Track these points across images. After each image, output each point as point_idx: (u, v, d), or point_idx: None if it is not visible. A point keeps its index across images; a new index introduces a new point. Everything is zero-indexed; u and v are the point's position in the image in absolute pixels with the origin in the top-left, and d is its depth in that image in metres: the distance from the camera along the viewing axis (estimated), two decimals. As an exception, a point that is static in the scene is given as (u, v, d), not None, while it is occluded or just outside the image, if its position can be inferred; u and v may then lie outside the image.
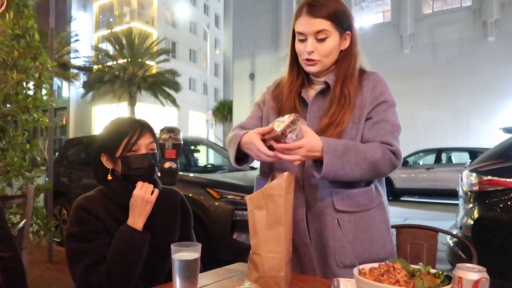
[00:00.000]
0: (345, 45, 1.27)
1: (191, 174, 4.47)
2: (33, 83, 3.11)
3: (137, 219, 1.25)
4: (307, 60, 1.24)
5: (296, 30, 1.25)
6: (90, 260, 1.20)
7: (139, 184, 1.28)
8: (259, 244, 1.08)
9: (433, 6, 17.23)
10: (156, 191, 1.30)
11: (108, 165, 1.32)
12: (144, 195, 1.26)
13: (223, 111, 25.81)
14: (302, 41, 1.24)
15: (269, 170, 1.34)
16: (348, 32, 1.25)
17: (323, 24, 1.20)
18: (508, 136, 3.12)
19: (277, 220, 1.06)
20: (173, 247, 0.97)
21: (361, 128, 1.23)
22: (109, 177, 1.32)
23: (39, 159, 3.30)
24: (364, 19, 18.87)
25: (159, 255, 1.31)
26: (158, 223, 1.33)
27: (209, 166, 5.93)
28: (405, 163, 11.12)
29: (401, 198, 11.13)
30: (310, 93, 1.32)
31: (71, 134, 31.37)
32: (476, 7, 15.51)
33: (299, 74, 1.32)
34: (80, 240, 1.22)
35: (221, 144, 26.22)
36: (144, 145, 1.30)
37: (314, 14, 1.20)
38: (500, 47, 14.77)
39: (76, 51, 25.94)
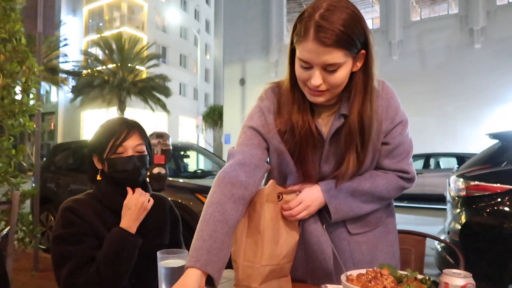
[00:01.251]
0: (357, 66, 1.03)
1: (181, 180, 4.44)
2: (19, 87, 3.07)
3: (132, 224, 1.25)
4: (312, 90, 1.03)
5: (299, 56, 0.99)
6: (77, 262, 1.18)
7: (138, 190, 1.30)
8: (238, 251, 1.05)
9: (421, 13, 17.48)
10: (151, 200, 1.32)
11: (98, 165, 1.32)
12: (144, 202, 1.28)
13: (214, 117, 25.73)
14: (305, 68, 1.00)
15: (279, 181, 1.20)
16: (363, 51, 1.01)
17: (335, 55, 0.95)
18: (494, 141, 3.15)
19: (256, 228, 1.04)
20: (159, 254, 0.96)
21: (376, 155, 1.14)
22: (98, 177, 1.32)
23: (24, 164, 3.25)
24: (353, 26, 19.02)
25: (150, 260, 1.30)
26: (148, 228, 1.33)
27: (199, 171, 5.91)
28: (394, 168, 11.19)
29: (391, 203, 11.18)
30: (322, 125, 1.12)
31: (60, 139, 31.00)
32: (463, 14, 15.77)
33: (305, 97, 1.08)
34: (67, 242, 1.21)
35: (211, 150, 26.06)
36: (131, 146, 1.29)
37: (324, 42, 0.93)
38: (486, 54, 15.01)
39: (65, 55, 25.70)
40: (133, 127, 1.32)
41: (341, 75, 0.99)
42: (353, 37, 0.95)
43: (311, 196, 1.09)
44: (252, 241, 1.04)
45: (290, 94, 1.10)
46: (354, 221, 1.17)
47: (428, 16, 17.21)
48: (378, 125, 1.09)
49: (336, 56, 0.95)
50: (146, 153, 1.33)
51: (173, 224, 1.45)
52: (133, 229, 1.25)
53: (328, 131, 1.11)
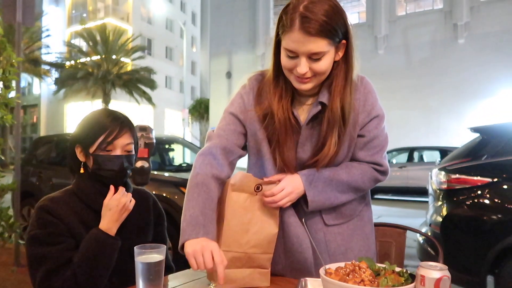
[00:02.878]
0: (339, 56, 1.10)
1: (166, 173, 4.41)
2: (-3, 79, 2.99)
3: (111, 225, 1.20)
4: (298, 77, 1.08)
5: (285, 47, 1.05)
6: (53, 264, 1.14)
7: (121, 189, 1.25)
8: None
9: (406, 8, 17.60)
10: (133, 200, 1.27)
11: (81, 157, 1.27)
12: (125, 202, 1.23)
13: (200, 110, 25.59)
14: (291, 57, 1.06)
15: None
16: (344, 41, 1.08)
17: (319, 44, 1.01)
18: (475, 135, 3.20)
19: (221, 215, 1.09)
20: (136, 249, 0.94)
21: (352, 145, 1.19)
22: (82, 170, 1.26)
23: (3, 158, 3.17)
24: (340, 20, 19.10)
25: (132, 259, 1.27)
26: (130, 225, 1.29)
27: (184, 165, 5.87)
28: (379, 162, 11.36)
29: (375, 196, 11.35)
30: (300, 112, 1.18)
31: (43, 132, 30.47)
32: (447, 10, 15.95)
33: (287, 87, 1.14)
34: (42, 243, 1.15)
35: (197, 143, 25.90)
36: (120, 145, 1.24)
37: (309, 32, 0.99)
38: (469, 49, 15.24)
39: (48, 46, 25.18)
40: (125, 125, 1.26)
41: (325, 63, 1.06)
42: (335, 27, 1.02)
43: (292, 184, 1.12)
44: (218, 227, 1.08)
45: (273, 83, 1.16)
46: (330, 212, 1.20)
47: (413, 11, 17.34)
48: (355, 116, 1.15)
49: (320, 45, 1.02)
50: (133, 152, 1.28)
51: (157, 220, 1.41)
52: (113, 231, 1.21)
53: (305, 118, 1.16)
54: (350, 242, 1.21)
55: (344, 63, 1.11)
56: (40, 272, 1.14)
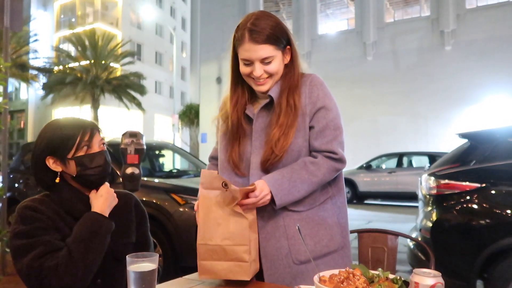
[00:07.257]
0: (287, 60, 1.32)
1: (156, 180, 4.38)
2: (-16, 84, 2.94)
3: (104, 208, 1.25)
4: (257, 80, 1.28)
5: (241, 57, 1.27)
6: (42, 249, 1.14)
7: (106, 184, 1.32)
8: None
9: (394, 15, 17.86)
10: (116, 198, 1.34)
11: (55, 168, 1.26)
12: (113, 191, 1.31)
13: (190, 115, 25.48)
14: (247, 65, 1.27)
15: None
16: (288, 46, 1.30)
17: (267, 49, 1.24)
18: (463, 141, 3.24)
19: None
20: (128, 258, 0.93)
21: (307, 135, 1.29)
22: (57, 180, 1.27)
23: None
24: (329, 26, 19.28)
25: (115, 258, 1.29)
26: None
27: (175, 171, 5.84)
28: (369, 167, 11.43)
29: (365, 201, 11.41)
30: (255, 108, 1.35)
31: (30, 138, 30.02)
32: (434, 17, 16.20)
33: (244, 92, 1.36)
34: (28, 236, 1.16)
35: (187, 149, 25.64)
36: (97, 142, 1.30)
37: (257, 41, 1.22)
38: (456, 56, 15.48)
39: (36, 51, 24.84)
40: (95, 125, 1.33)
41: (276, 65, 1.27)
42: (278, 35, 1.25)
43: (266, 188, 1.21)
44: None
45: (231, 88, 1.37)
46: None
47: (401, 18, 17.61)
48: (302, 108, 1.28)
49: (268, 50, 1.24)
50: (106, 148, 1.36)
51: (139, 220, 1.43)
52: (106, 214, 1.26)
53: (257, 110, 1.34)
54: (310, 229, 1.28)
55: (292, 65, 1.32)
56: (29, 257, 1.13)
